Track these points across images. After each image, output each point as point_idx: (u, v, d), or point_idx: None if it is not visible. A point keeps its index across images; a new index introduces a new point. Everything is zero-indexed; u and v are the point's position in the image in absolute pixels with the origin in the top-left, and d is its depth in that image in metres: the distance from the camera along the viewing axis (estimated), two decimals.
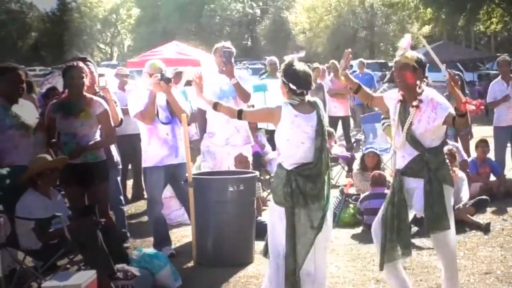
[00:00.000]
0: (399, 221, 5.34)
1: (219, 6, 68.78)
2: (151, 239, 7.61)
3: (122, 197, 8.22)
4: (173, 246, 7.62)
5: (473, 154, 10.60)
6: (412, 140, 5.27)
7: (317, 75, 14.68)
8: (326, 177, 5.42)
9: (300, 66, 5.41)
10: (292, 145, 5.35)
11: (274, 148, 11.21)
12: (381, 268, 5.46)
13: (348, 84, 5.75)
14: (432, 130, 5.26)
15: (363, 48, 59.67)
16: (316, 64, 16.42)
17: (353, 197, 9.07)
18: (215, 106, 5.85)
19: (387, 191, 8.38)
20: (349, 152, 12.73)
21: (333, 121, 14.28)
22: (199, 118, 8.73)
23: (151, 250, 6.68)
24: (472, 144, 11.07)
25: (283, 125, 5.38)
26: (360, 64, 19.10)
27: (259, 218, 8.15)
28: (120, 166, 8.27)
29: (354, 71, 18.90)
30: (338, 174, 11.79)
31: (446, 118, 5.17)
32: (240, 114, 5.68)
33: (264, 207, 9.09)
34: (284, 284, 5.25)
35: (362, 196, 8.74)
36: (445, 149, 8.95)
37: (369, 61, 44.92)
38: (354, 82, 5.69)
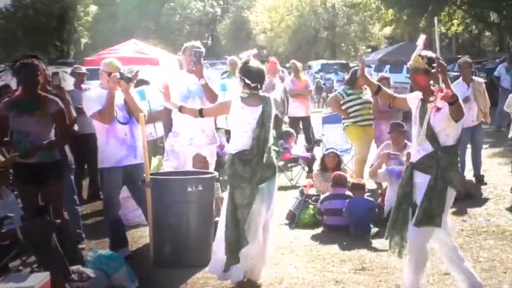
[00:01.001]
0: (398, 212, 5.73)
1: (179, 4, 68.58)
2: (107, 240, 7.56)
3: (76, 197, 8.16)
4: (130, 247, 7.59)
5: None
6: (431, 134, 5.53)
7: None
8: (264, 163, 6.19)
9: (254, 63, 6.33)
10: (237, 133, 6.30)
11: None
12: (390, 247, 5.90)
13: (369, 86, 6.19)
14: (444, 122, 5.46)
15: (324, 49, 60.05)
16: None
17: (313, 198, 9.12)
18: (180, 109, 6.71)
19: (348, 192, 8.54)
20: (310, 152, 12.79)
21: (294, 121, 14.33)
22: (164, 117, 8.68)
23: (107, 251, 6.65)
24: None
25: (231, 115, 6.32)
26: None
27: (217, 218, 8.15)
28: (74, 166, 8.20)
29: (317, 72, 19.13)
30: (298, 174, 11.84)
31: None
32: (201, 113, 6.58)
33: None
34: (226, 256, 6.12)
35: (322, 196, 8.79)
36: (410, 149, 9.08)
37: (331, 61, 45.30)
38: (374, 84, 6.06)
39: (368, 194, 9.89)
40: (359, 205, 8.36)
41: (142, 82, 14.45)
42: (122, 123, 7.33)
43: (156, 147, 11.12)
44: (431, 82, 5.49)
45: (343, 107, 10.65)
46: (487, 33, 60.10)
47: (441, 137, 5.54)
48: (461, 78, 11.25)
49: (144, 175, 7.12)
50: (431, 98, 5.43)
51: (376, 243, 7.80)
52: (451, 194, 5.62)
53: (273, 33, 60.13)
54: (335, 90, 10.91)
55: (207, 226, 7.14)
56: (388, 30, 54.07)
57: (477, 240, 7.87)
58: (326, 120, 13.59)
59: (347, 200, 8.46)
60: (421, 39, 5.71)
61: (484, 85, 11.42)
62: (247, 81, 6.25)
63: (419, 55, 5.61)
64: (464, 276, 5.82)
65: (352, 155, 11.42)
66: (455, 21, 42.06)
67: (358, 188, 8.69)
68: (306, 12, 59.06)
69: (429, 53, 5.64)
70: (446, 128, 5.53)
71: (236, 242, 6.10)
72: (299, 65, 15.27)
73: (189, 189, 6.97)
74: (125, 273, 6.25)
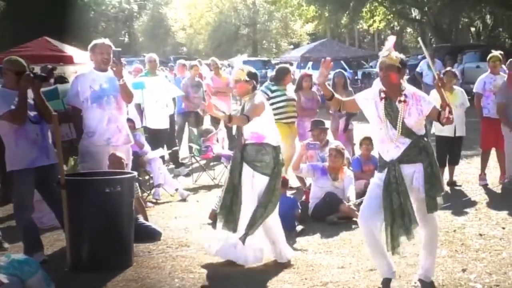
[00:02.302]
0: (408, 208, 5.86)
1: (93, 0, 67.64)
2: (21, 244, 7.40)
3: None
4: (45, 251, 7.45)
5: (357, 151, 10.90)
6: (407, 131, 5.87)
7: (195, 72, 14.74)
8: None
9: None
10: (274, 128, 7.19)
11: (154, 147, 11.17)
12: (393, 253, 6.00)
13: (324, 92, 6.22)
14: (421, 121, 5.95)
15: (245, 46, 60.30)
16: (194, 62, 16.40)
17: None
18: (230, 119, 6.98)
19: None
20: (232, 151, 12.81)
21: (216, 119, 14.33)
22: (75, 117, 8.53)
23: (21, 255, 6.48)
24: (357, 141, 11.37)
25: (266, 114, 7.04)
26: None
27: (139, 219, 8.11)
28: None
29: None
30: (221, 173, 11.86)
31: (431, 111, 5.85)
32: (248, 118, 6.90)
33: (146, 208, 9.05)
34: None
35: None
36: (333, 145, 9.23)
37: (252, 58, 45.47)
38: (329, 91, 6.18)
39: (293, 191, 10.01)
40: (282, 203, 8.37)
41: (61, 79, 14.25)
42: (34, 122, 7.20)
43: (72, 148, 10.94)
44: (401, 81, 5.90)
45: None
46: (409, 30, 61.57)
47: (416, 130, 5.93)
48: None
49: (59, 176, 7.00)
50: (401, 98, 5.85)
51: (301, 241, 7.88)
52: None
53: (192, 30, 60.10)
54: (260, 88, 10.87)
55: (126, 228, 7.06)
56: (310, 27, 54.75)
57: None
58: None
59: None
60: (391, 39, 6.02)
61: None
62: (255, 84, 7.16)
63: (392, 54, 5.89)
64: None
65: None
66: (376, 18, 42.83)
67: (282, 184, 8.71)
68: (226, 8, 59.25)
69: (399, 54, 5.96)
70: (420, 125, 5.99)
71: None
72: (219, 62, 15.33)
73: (107, 190, 6.88)
74: (41, 278, 6.11)
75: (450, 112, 5.71)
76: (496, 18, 42.17)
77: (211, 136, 12.57)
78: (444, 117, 5.70)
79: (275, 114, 10.60)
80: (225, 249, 7.05)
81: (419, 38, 6.96)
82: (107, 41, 8.13)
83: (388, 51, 5.93)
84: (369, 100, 6.05)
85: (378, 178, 6.09)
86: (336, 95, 6.29)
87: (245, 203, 6.91)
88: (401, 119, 5.84)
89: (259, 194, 6.90)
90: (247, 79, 7.06)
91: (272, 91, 10.65)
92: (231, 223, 6.95)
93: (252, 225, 6.84)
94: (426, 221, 6.05)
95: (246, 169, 6.96)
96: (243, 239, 6.83)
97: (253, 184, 6.92)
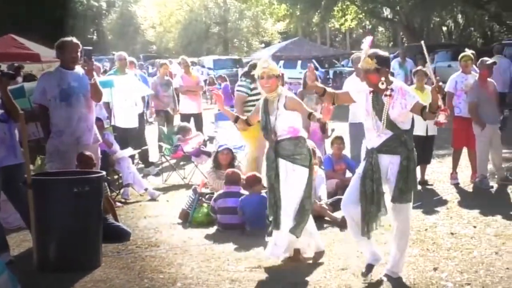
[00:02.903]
0: (379, 195, 6.18)
1: None
2: None
3: None
4: (12, 252, 7.39)
5: (329, 151, 10.94)
6: (390, 124, 6.13)
7: (164, 71, 14.71)
8: None
9: None
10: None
11: (123, 146, 11.12)
12: (368, 237, 6.35)
13: (316, 90, 6.62)
14: (404, 114, 6.15)
15: (216, 44, 60.27)
16: (163, 60, 16.35)
17: (207, 196, 9.13)
18: (236, 120, 7.36)
19: (243, 190, 8.60)
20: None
21: (185, 118, 14.32)
22: (41, 115, 8.46)
23: None
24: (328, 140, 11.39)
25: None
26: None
27: (108, 219, 8.07)
28: None
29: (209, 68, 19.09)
30: (191, 172, 11.85)
31: (414, 105, 6.10)
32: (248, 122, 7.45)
33: (116, 208, 9.00)
34: None
35: (216, 194, 8.81)
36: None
37: (223, 57, 45.44)
38: (320, 87, 6.51)
39: (265, 190, 10.01)
40: (252, 202, 8.41)
41: (30, 77, 14.15)
42: (1, 121, 7.15)
43: (39, 147, 10.88)
44: (382, 78, 6.11)
45: (247, 104, 10.55)
46: (380, 28, 61.95)
47: (399, 124, 6.17)
48: (354, 73, 11.55)
49: (26, 175, 6.95)
50: (387, 92, 6.12)
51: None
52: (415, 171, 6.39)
53: (162, 28, 59.94)
54: (238, 86, 10.86)
55: (94, 228, 7.03)
56: (281, 25, 54.88)
57: (374, 234, 7.98)
58: (219, 117, 13.66)
59: (240, 199, 8.50)
60: (367, 40, 6.28)
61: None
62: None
63: (368, 56, 6.14)
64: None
65: (245, 152, 11.47)
66: (348, 17, 43.04)
67: (255, 182, 8.73)
68: (196, 6, 59.24)
69: (376, 51, 6.23)
70: (403, 118, 6.19)
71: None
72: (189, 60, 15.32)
73: (75, 190, 6.84)
74: (7, 279, 6.05)
75: (446, 117, 5.89)
76: (467, 18, 42.64)
77: (188, 138, 12.56)
78: (438, 122, 5.90)
79: (249, 112, 10.64)
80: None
81: (422, 42, 7.10)
82: (75, 39, 8.10)
83: (365, 54, 6.20)
84: (362, 92, 6.37)
85: (360, 167, 6.38)
86: (328, 89, 6.56)
87: (286, 198, 6.94)
88: (386, 112, 6.10)
89: (301, 186, 6.92)
90: (279, 74, 7.10)
91: (251, 90, 10.65)
92: (274, 221, 6.99)
93: (304, 216, 6.92)
94: (396, 213, 6.28)
95: (284, 165, 6.95)
96: (298, 232, 6.90)
97: (295, 177, 6.91)
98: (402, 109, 6.11)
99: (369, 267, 6.43)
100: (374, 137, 6.25)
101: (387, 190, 6.27)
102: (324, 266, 6.87)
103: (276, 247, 6.99)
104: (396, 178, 6.15)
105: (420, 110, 6.07)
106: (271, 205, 7.01)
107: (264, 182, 10.24)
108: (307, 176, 6.94)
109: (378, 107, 6.18)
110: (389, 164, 6.21)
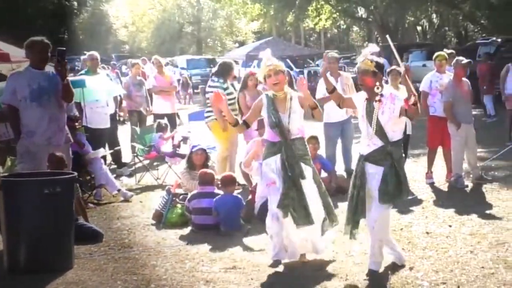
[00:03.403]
0: (357, 201, 6.51)
1: None
2: None
3: None
4: None
5: None
6: (380, 131, 6.35)
7: (137, 71, 14.65)
8: None
9: None
10: None
11: (95, 147, 11.06)
12: (350, 237, 6.73)
13: (326, 85, 6.89)
14: (394, 120, 6.35)
15: (189, 44, 60.20)
16: (135, 60, 16.29)
17: (181, 197, 9.12)
18: (236, 124, 7.28)
19: (217, 191, 8.60)
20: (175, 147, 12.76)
21: (159, 118, 14.27)
22: (11, 116, 8.40)
23: None
24: None
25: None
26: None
27: (79, 221, 8.02)
28: None
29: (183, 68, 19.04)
30: (165, 173, 11.82)
31: (401, 109, 6.28)
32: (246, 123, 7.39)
33: (88, 209, 8.94)
34: None
35: (190, 195, 8.80)
36: None
37: (196, 57, 45.36)
38: (331, 83, 6.83)
39: (239, 190, 10.02)
40: (226, 203, 8.41)
41: (1, 77, 14.03)
42: None
43: (9, 148, 10.79)
44: (377, 83, 6.33)
45: None
46: (355, 28, 62.23)
47: (389, 133, 6.38)
48: (328, 73, 11.56)
49: None
50: (377, 98, 6.33)
51: (247, 241, 7.90)
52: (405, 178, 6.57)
53: (135, 27, 59.74)
54: (210, 87, 10.92)
55: (66, 229, 6.98)
56: (255, 25, 54.92)
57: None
58: (192, 117, 13.65)
59: (214, 199, 8.49)
60: (371, 48, 6.52)
61: (352, 79, 11.84)
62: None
63: (368, 59, 6.37)
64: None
65: (218, 151, 11.45)
66: (322, 16, 43.18)
67: (231, 182, 8.74)
68: (169, 6, 59.09)
69: (375, 57, 6.43)
70: (393, 126, 6.39)
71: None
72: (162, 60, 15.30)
73: (46, 191, 6.79)
74: None
75: (415, 102, 6.04)
76: (442, 17, 42.94)
77: (169, 136, 12.53)
78: (408, 105, 6.06)
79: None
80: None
81: (387, 36, 7.37)
82: (45, 39, 8.06)
83: (364, 57, 6.40)
84: (361, 100, 6.57)
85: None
86: (338, 91, 6.92)
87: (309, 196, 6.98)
88: (376, 117, 6.33)
89: (316, 185, 7.07)
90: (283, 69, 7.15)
91: (225, 89, 10.68)
92: (307, 217, 6.89)
93: (331, 212, 7.17)
94: (375, 210, 6.49)
95: (300, 165, 6.96)
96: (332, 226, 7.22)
97: (309, 177, 7.00)
98: (390, 114, 6.31)
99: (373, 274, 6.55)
100: (365, 144, 6.51)
101: (368, 197, 6.51)
102: (300, 268, 6.88)
103: (284, 251, 7.03)
104: (379, 184, 6.37)
105: (404, 111, 6.25)
106: (288, 203, 6.84)
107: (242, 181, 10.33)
108: (314, 175, 7.09)
109: (370, 112, 6.39)
110: (375, 174, 6.42)
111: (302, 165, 6.93)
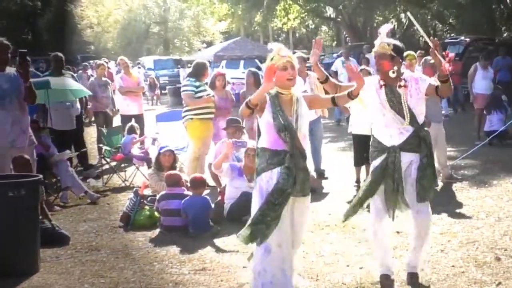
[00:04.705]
0: (398, 194, 6.05)
1: None
2: None
3: None
4: None
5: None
6: (411, 116, 6.05)
7: (102, 72, 14.58)
8: None
9: None
10: None
11: (60, 149, 10.99)
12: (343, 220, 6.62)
13: (317, 74, 6.46)
14: (421, 101, 6.15)
15: (156, 44, 60.02)
16: (100, 61, 16.20)
17: (149, 198, 9.10)
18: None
19: (187, 192, 8.59)
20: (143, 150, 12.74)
21: (126, 119, 14.22)
22: None
23: None
24: None
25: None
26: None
27: (45, 224, 7.96)
28: None
29: (150, 68, 18.93)
30: (132, 174, 11.77)
31: (427, 88, 6.09)
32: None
33: (51, 212, 8.86)
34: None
35: (158, 196, 8.78)
36: (249, 145, 9.27)
37: (164, 57, 45.22)
38: (322, 73, 6.39)
39: (207, 191, 10.00)
40: (194, 204, 8.40)
41: None
42: None
43: None
44: (395, 68, 6.07)
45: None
46: (324, 28, 62.48)
47: (418, 117, 6.11)
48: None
49: None
50: (401, 83, 6.05)
51: (217, 242, 7.89)
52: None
53: (100, 28, 59.44)
54: (184, 86, 10.95)
55: (31, 233, 6.94)
56: (223, 25, 54.90)
57: (320, 234, 8.16)
58: (160, 118, 13.62)
59: (182, 201, 8.48)
60: (386, 27, 6.26)
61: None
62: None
63: (386, 42, 6.09)
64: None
65: (187, 152, 11.43)
66: (291, 16, 43.27)
67: (201, 184, 8.73)
68: (135, 6, 58.87)
69: (393, 41, 6.17)
70: (420, 107, 6.16)
71: None
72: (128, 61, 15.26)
73: (10, 194, 6.75)
74: None
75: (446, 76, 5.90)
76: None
77: (138, 140, 12.49)
78: (445, 69, 5.85)
79: (197, 110, 10.66)
80: None
81: (408, 13, 7.13)
82: (4, 40, 8.02)
83: (381, 39, 6.13)
84: (368, 89, 6.12)
85: (373, 166, 6.26)
86: (331, 79, 6.47)
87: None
88: (405, 103, 6.05)
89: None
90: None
91: (197, 87, 10.69)
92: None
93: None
94: (416, 213, 6.16)
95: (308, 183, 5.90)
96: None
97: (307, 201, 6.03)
98: (418, 94, 6.09)
99: (386, 278, 6.27)
100: (396, 134, 6.12)
101: (407, 189, 6.09)
102: None
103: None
104: (417, 175, 6.08)
105: (435, 91, 6.08)
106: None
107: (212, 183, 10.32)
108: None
109: (394, 99, 6.07)
110: (411, 162, 6.11)
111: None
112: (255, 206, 5.64)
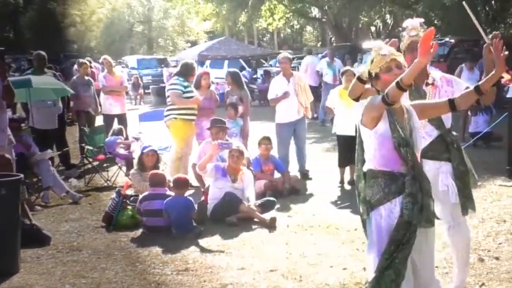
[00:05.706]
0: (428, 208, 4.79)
1: None
2: None
3: None
4: None
5: (257, 151, 10.97)
6: (437, 118, 5.43)
7: (84, 71, 14.53)
8: None
9: None
10: None
11: (42, 148, 10.95)
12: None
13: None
14: None
15: (140, 43, 59.96)
16: (82, 60, 16.13)
17: (131, 199, 9.07)
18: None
19: (169, 192, 8.58)
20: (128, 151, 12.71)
21: (109, 119, 14.19)
22: None
23: None
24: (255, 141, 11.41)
25: None
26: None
27: (27, 223, 7.92)
28: None
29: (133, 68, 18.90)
30: (115, 174, 11.73)
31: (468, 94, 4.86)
32: None
33: (32, 212, 8.83)
34: None
35: (141, 196, 8.76)
36: (234, 145, 9.28)
37: (147, 56, 45.13)
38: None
39: (191, 192, 9.99)
40: (176, 204, 8.39)
41: None
42: None
43: None
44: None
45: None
46: (309, 28, 62.60)
47: (445, 120, 5.55)
48: (281, 73, 11.70)
49: None
50: (429, 81, 5.52)
51: (200, 243, 7.88)
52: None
53: (83, 26, 59.28)
54: (172, 85, 10.95)
55: (12, 233, 6.90)
56: (207, 25, 54.92)
57: (303, 235, 8.17)
58: (143, 118, 13.60)
59: (165, 201, 8.47)
60: (416, 21, 5.80)
61: (304, 79, 11.99)
62: None
63: (410, 35, 5.70)
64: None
65: (171, 151, 11.41)
66: (276, 16, 43.32)
67: (184, 184, 8.73)
68: (119, 5, 58.77)
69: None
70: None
71: None
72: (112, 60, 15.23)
73: None
74: None
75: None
76: (396, 18, 43.34)
77: (125, 142, 12.45)
78: (508, 80, 4.85)
79: (182, 110, 10.66)
80: None
81: (463, 2, 5.79)
82: None
83: (416, 31, 5.65)
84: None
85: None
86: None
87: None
88: None
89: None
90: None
91: (185, 87, 10.71)
92: None
93: None
94: (454, 229, 5.62)
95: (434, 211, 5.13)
96: None
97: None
98: (448, 97, 4.98)
99: None
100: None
101: (438, 206, 5.40)
102: (254, 268, 6.89)
103: None
104: (457, 187, 5.42)
105: (474, 95, 4.75)
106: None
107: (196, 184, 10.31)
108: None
109: (420, 98, 5.31)
110: (439, 173, 5.46)
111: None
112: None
